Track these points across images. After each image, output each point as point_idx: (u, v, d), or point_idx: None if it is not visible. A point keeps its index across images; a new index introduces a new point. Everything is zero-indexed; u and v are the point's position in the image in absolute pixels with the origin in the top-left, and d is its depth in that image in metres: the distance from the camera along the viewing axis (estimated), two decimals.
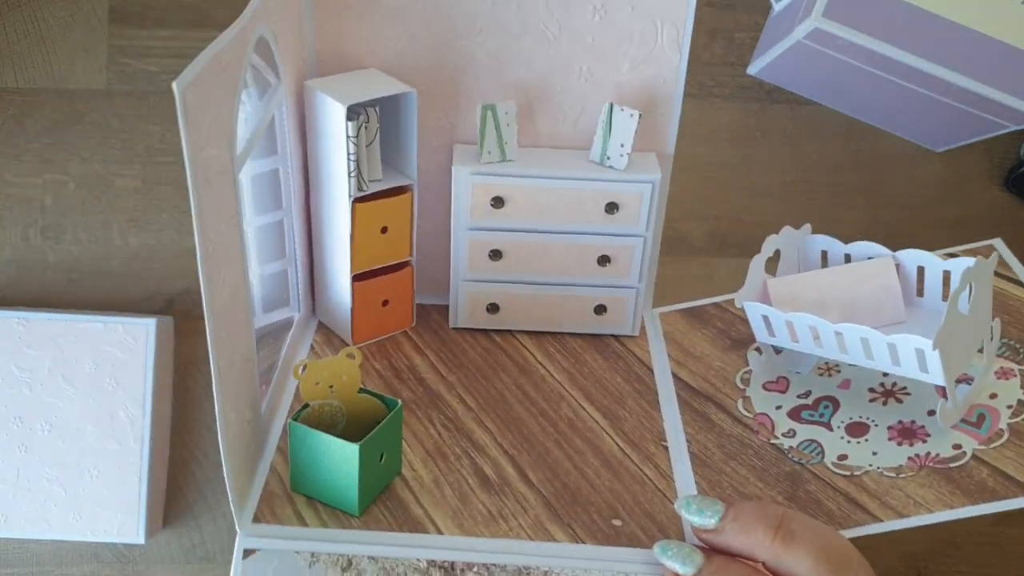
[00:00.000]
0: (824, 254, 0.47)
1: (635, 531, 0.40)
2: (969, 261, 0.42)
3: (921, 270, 0.45)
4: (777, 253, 0.48)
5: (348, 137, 0.41)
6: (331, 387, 0.38)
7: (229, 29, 0.39)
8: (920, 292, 0.46)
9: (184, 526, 0.68)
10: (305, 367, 0.38)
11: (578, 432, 0.44)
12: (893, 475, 0.41)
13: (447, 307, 0.48)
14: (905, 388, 0.44)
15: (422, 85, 0.45)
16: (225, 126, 0.38)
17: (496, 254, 0.46)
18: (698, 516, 0.38)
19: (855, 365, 0.42)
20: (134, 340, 0.64)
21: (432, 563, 0.36)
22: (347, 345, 0.45)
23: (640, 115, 0.45)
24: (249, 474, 0.40)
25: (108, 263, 0.68)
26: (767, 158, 0.69)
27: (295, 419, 0.38)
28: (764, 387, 0.47)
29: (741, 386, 0.47)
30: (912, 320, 0.44)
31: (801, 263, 0.47)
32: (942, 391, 0.40)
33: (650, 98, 0.47)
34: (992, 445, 0.40)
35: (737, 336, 0.49)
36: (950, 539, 0.69)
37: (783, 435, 0.44)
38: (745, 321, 0.46)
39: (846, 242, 0.51)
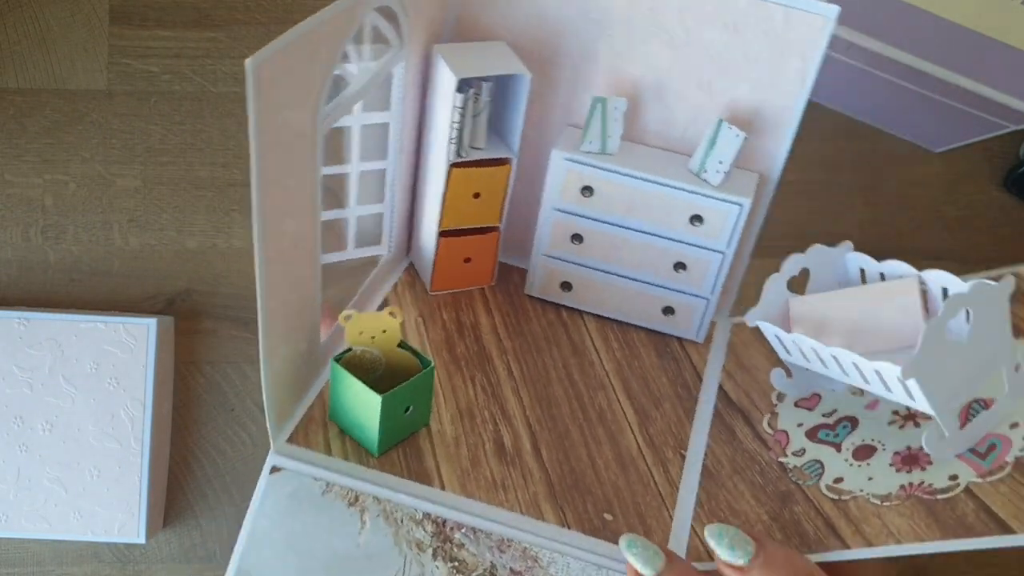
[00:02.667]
0: (862, 272, 0.45)
1: (622, 528, 0.40)
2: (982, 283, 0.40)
3: (945, 291, 0.42)
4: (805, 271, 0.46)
5: (455, 107, 0.43)
6: (372, 338, 0.41)
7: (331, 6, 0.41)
8: None
9: (184, 526, 0.68)
10: (350, 316, 0.41)
11: (604, 422, 0.45)
12: (878, 502, 0.40)
13: (525, 270, 0.50)
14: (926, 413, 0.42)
15: (544, 65, 0.46)
16: (312, 91, 0.40)
17: (577, 238, 0.47)
18: (729, 552, 0.38)
19: None
20: (135, 340, 0.64)
21: (427, 515, 0.39)
22: (427, 291, 0.48)
23: (746, 137, 0.45)
24: (296, 399, 0.43)
25: (109, 263, 0.68)
26: None
27: (336, 359, 0.41)
28: (796, 404, 0.46)
29: (776, 402, 0.46)
30: None
31: (836, 280, 0.46)
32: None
33: (763, 120, 0.47)
34: (990, 479, 0.38)
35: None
36: None
37: (793, 453, 0.44)
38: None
39: (878, 258, 0.48)
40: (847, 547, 0.39)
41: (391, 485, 0.40)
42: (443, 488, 0.39)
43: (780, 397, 0.46)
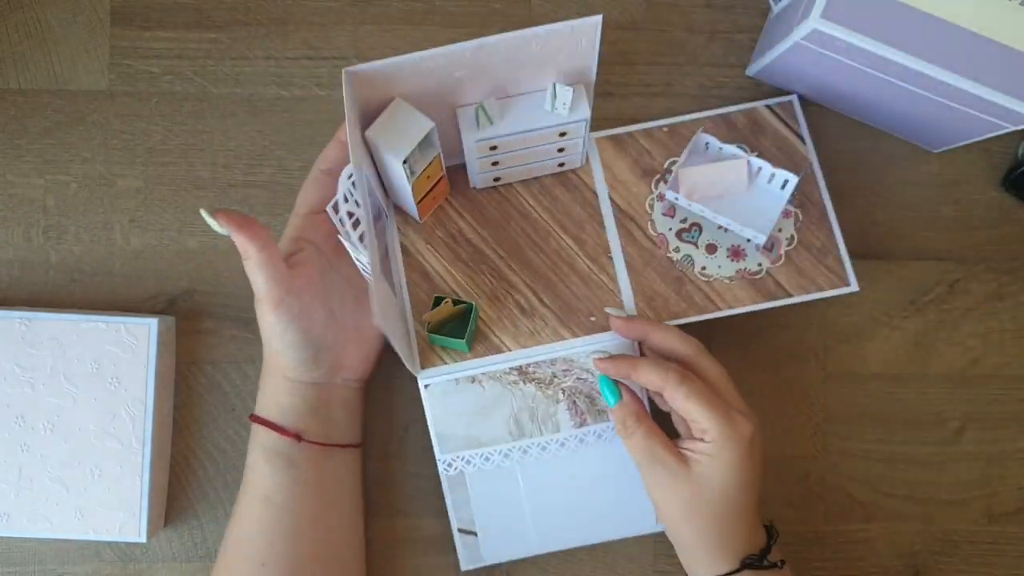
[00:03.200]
0: (707, 146, 0.65)
1: (602, 321, 0.65)
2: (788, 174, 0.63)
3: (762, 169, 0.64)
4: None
5: (404, 169, 0.59)
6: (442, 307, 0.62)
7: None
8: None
9: (186, 525, 0.68)
10: (428, 321, 0.62)
11: (563, 259, 0.66)
12: (728, 282, 0.65)
13: (464, 165, 0.65)
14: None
15: (433, 107, 0.59)
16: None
17: (495, 163, 0.64)
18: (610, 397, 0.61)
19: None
20: (136, 340, 0.64)
21: (513, 368, 0.64)
22: (418, 220, 0.66)
23: (573, 88, 0.59)
24: (409, 341, 0.64)
25: (110, 263, 0.68)
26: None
27: (430, 332, 0.63)
28: (663, 213, 0.66)
29: (649, 211, 0.67)
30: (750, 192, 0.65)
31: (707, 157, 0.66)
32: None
33: (571, 69, 0.60)
34: (776, 264, 0.65)
35: (646, 166, 0.67)
36: (948, 538, 0.69)
37: (673, 250, 0.66)
38: (648, 152, 0.67)
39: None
40: (719, 308, 0.65)
41: (485, 363, 0.64)
42: (509, 349, 0.64)
43: (651, 206, 0.66)
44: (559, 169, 0.67)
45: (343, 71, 0.53)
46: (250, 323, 0.68)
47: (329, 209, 0.56)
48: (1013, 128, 0.59)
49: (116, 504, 0.64)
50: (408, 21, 0.69)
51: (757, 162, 0.63)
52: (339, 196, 0.56)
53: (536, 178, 0.67)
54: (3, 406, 0.64)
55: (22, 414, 0.64)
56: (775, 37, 0.64)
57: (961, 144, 0.67)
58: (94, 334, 0.64)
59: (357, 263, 0.58)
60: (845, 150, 0.70)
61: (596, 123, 0.68)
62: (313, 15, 0.69)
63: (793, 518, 0.69)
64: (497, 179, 0.66)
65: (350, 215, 0.56)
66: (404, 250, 0.66)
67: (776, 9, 0.66)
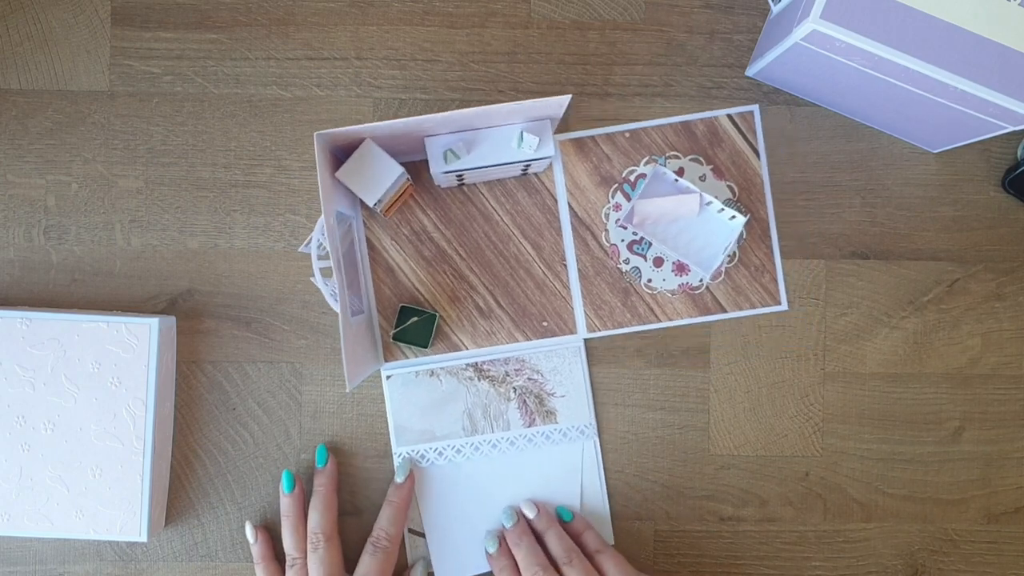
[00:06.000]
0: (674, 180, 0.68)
1: (553, 327, 0.69)
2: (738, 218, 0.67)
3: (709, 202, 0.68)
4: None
5: (376, 205, 0.63)
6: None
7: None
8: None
9: (186, 524, 0.68)
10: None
11: (521, 264, 0.69)
12: (670, 295, 0.69)
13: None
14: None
15: (402, 135, 0.63)
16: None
17: (460, 177, 0.66)
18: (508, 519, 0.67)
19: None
20: (136, 339, 0.65)
21: (469, 365, 0.68)
22: (384, 216, 0.68)
23: (538, 140, 0.63)
24: (372, 344, 0.68)
25: (111, 263, 0.68)
26: (765, 158, 0.69)
27: (395, 337, 0.67)
28: (617, 222, 0.69)
29: (604, 220, 0.69)
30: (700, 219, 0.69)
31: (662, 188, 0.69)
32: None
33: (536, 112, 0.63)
34: (716, 280, 0.69)
35: (605, 173, 0.69)
36: (947, 537, 0.69)
37: (623, 262, 0.69)
38: (609, 158, 0.69)
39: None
40: (659, 320, 0.69)
41: (443, 359, 0.68)
42: (466, 348, 0.68)
43: (607, 216, 0.69)
44: (522, 173, 0.68)
45: (315, 135, 0.57)
46: (250, 323, 0.68)
47: (301, 249, 0.66)
48: (1012, 128, 0.59)
49: (117, 503, 0.64)
50: (408, 21, 0.69)
51: (707, 196, 0.66)
52: (312, 242, 0.61)
53: (499, 180, 0.69)
54: (4, 406, 0.64)
55: (23, 414, 0.64)
56: (774, 38, 0.64)
57: (961, 144, 0.67)
58: (95, 334, 0.65)
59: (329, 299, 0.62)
60: (844, 150, 0.70)
61: (593, 123, 0.69)
62: (313, 16, 0.69)
63: (793, 518, 0.69)
64: (461, 182, 0.68)
65: (320, 258, 0.61)
66: (370, 246, 0.69)
67: (775, 10, 0.66)
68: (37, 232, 0.68)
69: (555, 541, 0.65)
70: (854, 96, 0.65)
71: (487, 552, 0.66)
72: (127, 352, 0.65)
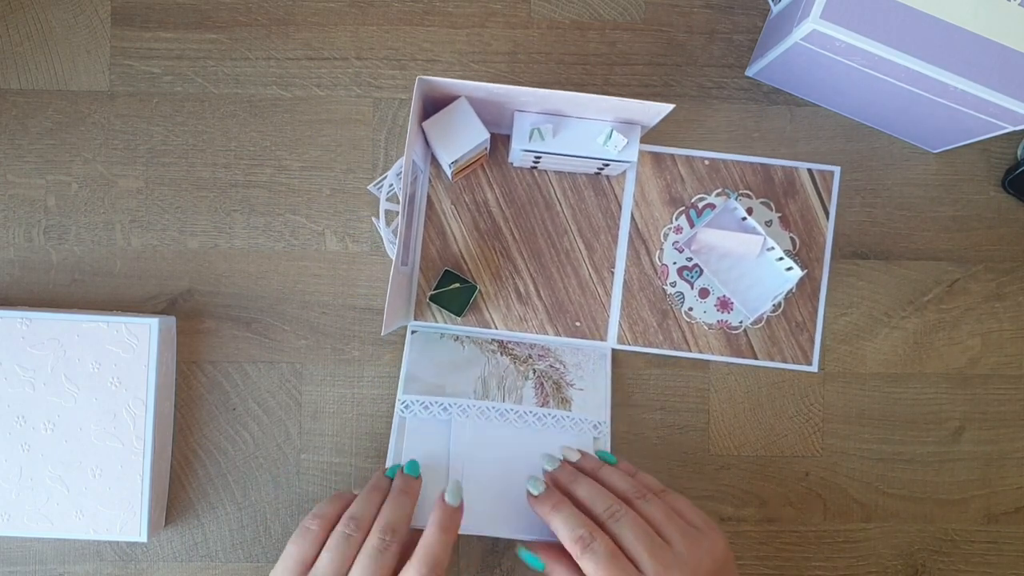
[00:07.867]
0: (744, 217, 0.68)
1: (585, 330, 0.69)
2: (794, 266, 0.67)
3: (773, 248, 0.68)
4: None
5: (449, 167, 0.65)
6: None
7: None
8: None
9: (186, 524, 0.68)
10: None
11: (571, 260, 0.69)
12: (707, 328, 0.69)
13: (509, 137, 0.68)
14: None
15: (493, 114, 0.65)
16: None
17: (538, 160, 0.66)
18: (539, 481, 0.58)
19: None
20: (136, 339, 0.65)
21: (494, 340, 0.69)
22: (451, 179, 0.69)
23: (626, 142, 0.63)
24: (407, 298, 0.68)
25: (111, 263, 0.68)
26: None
27: (432, 299, 0.68)
28: (673, 245, 0.69)
29: (662, 239, 0.69)
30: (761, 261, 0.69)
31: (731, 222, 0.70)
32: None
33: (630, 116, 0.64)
34: (756, 326, 0.69)
35: (676, 194, 0.69)
36: (948, 537, 0.69)
37: (669, 284, 0.69)
38: (683, 180, 0.69)
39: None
40: (691, 350, 0.69)
41: (473, 331, 0.69)
42: (496, 327, 0.69)
43: (665, 235, 0.69)
44: (595, 172, 0.68)
45: (416, 79, 0.58)
46: (250, 323, 0.68)
47: (371, 188, 0.67)
48: (1012, 128, 0.59)
49: (117, 504, 0.64)
50: (408, 21, 0.69)
51: (771, 242, 0.66)
52: (384, 184, 0.62)
53: (571, 172, 0.69)
54: (4, 406, 0.64)
55: (23, 414, 0.64)
56: (774, 38, 0.64)
57: (961, 144, 0.67)
58: (95, 334, 0.65)
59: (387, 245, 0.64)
60: (844, 150, 0.70)
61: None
62: (313, 16, 0.69)
63: (793, 517, 0.69)
64: (536, 164, 0.67)
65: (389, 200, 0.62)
66: (429, 204, 0.69)
67: (775, 10, 0.66)
68: (37, 232, 0.68)
69: (617, 478, 0.58)
70: (854, 96, 0.65)
71: (529, 495, 0.58)
72: (127, 352, 0.65)
